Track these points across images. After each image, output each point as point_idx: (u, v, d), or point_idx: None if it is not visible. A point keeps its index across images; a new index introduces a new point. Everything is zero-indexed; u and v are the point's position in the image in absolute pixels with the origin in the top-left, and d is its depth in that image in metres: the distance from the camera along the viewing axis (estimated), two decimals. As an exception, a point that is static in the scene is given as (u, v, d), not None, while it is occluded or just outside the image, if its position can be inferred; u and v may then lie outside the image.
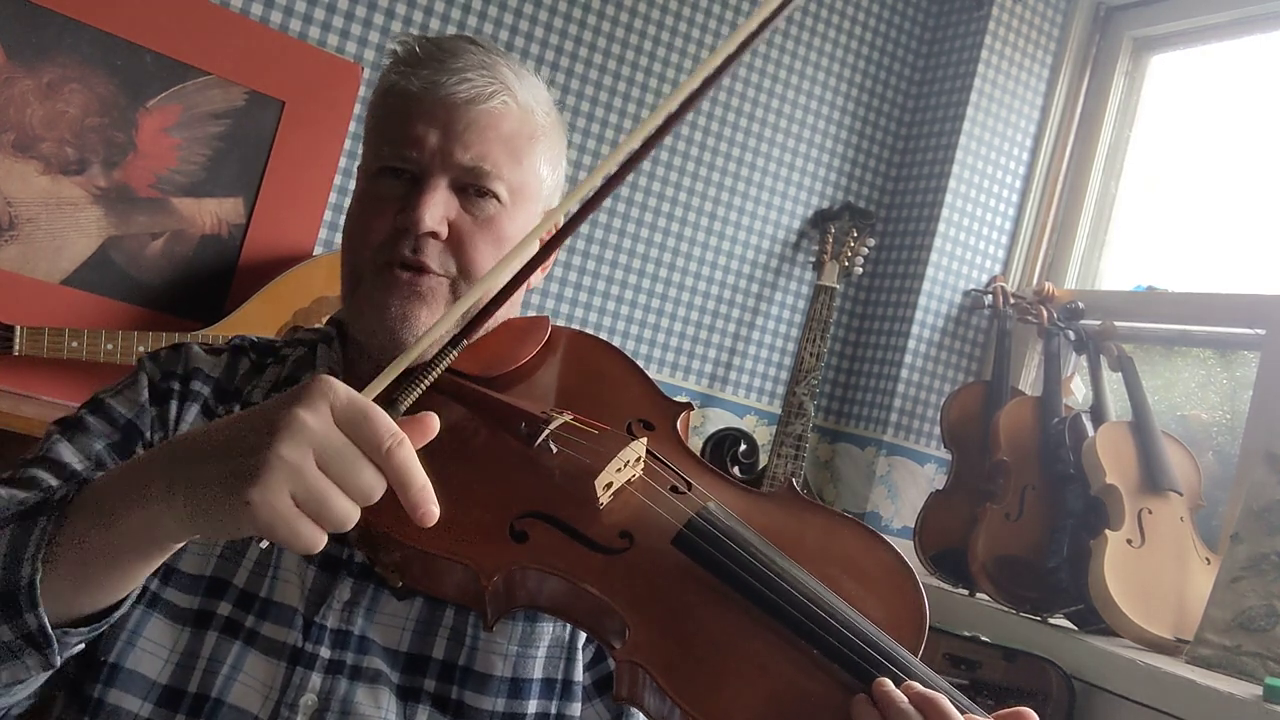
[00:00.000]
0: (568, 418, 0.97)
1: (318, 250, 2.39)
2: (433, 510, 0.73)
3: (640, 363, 2.71)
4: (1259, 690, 1.78)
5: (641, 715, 0.98)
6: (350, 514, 0.71)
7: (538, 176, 1.06)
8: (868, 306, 3.09)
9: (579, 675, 0.99)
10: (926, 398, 2.92)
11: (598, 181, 0.79)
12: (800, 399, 2.75)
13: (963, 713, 0.78)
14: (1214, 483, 2.45)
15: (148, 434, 1.05)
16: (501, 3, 2.63)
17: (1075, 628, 2.28)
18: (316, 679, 0.93)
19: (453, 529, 0.89)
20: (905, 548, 2.57)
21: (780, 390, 2.99)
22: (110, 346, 2.07)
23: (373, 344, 1.03)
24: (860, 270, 2.91)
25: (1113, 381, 2.50)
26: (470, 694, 0.95)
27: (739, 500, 0.94)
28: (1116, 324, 2.55)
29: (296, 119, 2.37)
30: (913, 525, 2.58)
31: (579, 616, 0.87)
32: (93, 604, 0.79)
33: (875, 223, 2.97)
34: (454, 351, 0.78)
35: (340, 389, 0.72)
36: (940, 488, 2.65)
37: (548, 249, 0.83)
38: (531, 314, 1.13)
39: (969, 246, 2.97)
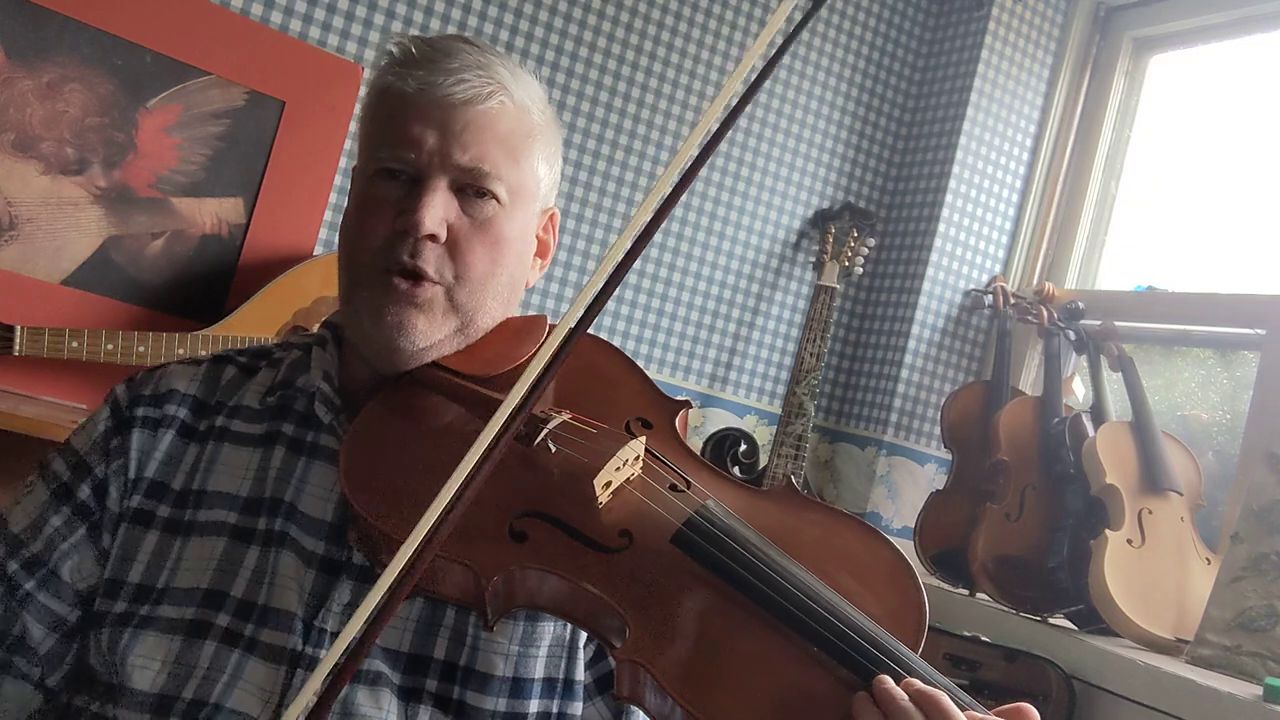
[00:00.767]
0: (566, 417, 0.97)
1: (318, 250, 2.39)
2: None
3: (640, 363, 2.71)
4: (1259, 690, 1.78)
5: (642, 714, 0.99)
6: None
7: (535, 175, 1.06)
8: (868, 306, 3.09)
9: (580, 674, 0.99)
10: (926, 398, 2.92)
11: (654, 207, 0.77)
12: (800, 399, 2.75)
13: (963, 709, 0.78)
14: (1214, 483, 2.45)
15: (98, 469, 1.04)
16: (501, 3, 2.63)
17: (1075, 628, 2.28)
18: None
19: (453, 530, 0.90)
20: (905, 548, 2.57)
21: (780, 390, 2.99)
22: (110, 346, 2.07)
23: (369, 349, 1.03)
24: (860, 270, 2.91)
25: (1113, 381, 2.50)
26: (472, 694, 0.95)
27: (738, 498, 0.94)
28: (1116, 324, 2.55)
29: (296, 119, 2.37)
30: (913, 525, 2.58)
31: (579, 615, 0.87)
32: None
33: (875, 223, 2.97)
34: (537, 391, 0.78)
35: None
36: (940, 488, 2.65)
37: (614, 281, 0.80)
38: (531, 313, 1.13)
39: (969, 246, 2.97)
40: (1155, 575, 2.17)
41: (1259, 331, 2.42)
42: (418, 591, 0.92)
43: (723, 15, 2.87)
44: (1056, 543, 2.32)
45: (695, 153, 0.75)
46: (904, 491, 2.88)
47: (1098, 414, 2.46)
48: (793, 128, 2.99)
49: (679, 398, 1.05)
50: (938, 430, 2.71)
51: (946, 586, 2.50)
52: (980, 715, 0.78)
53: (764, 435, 2.92)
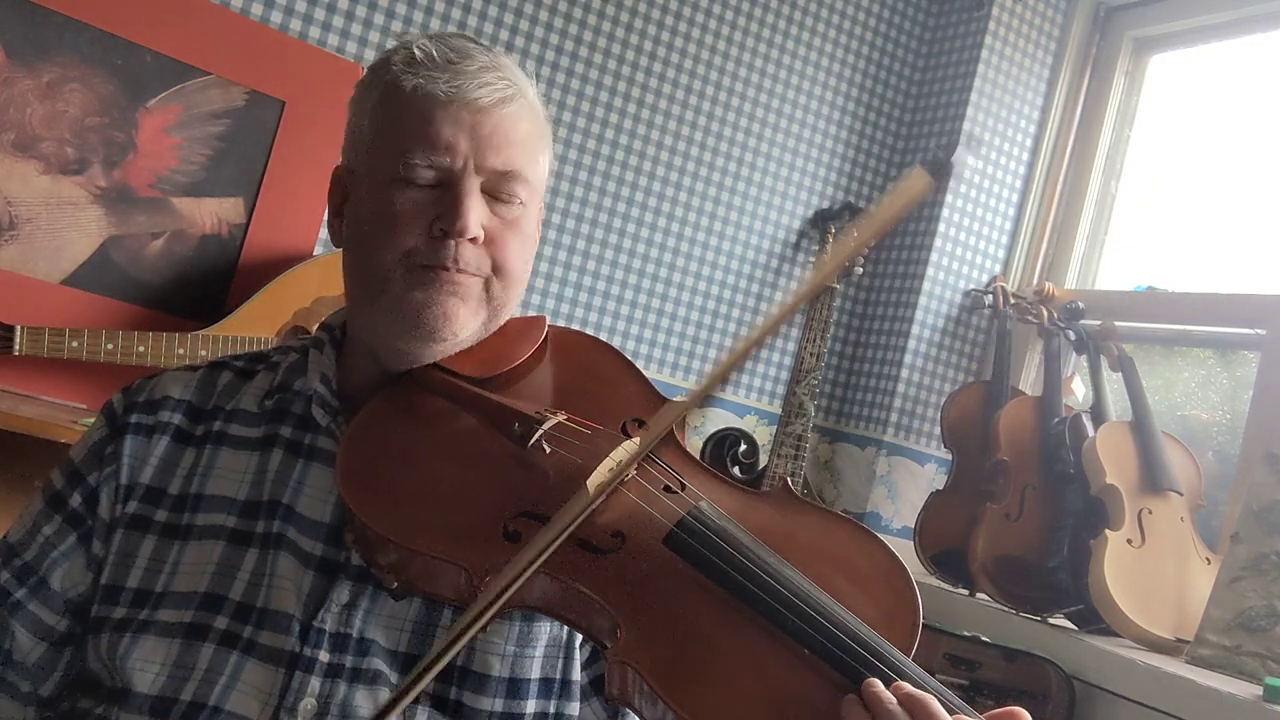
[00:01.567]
0: (561, 418, 0.97)
1: (318, 250, 2.39)
2: None
3: (640, 363, 2.71)
4: (1259, 690, 1.78)
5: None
6: None
7: (543, 171, 1.08)
8: (868, 306, 3.09)
9: (577, 674, 0.99)
10: (926, 398, 2.92)
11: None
12: (800, 399, 2.75)
13: (952, 713, 0.78)
14: (1214, 483, 2.45)
15: (91, 478, 1.05)
16: (501, 2, 2.63)
17: (1075, 628, 2.28)
18: (315, 683, 0.93)
19: (446, 529, 0.90)
20: (905, 548, 2.57)
21: (780, 390, 2.99)
22: (110, 346, 2.07)
23: (401, 345, 1.02)
24: (860, 270, 2.91)
25: (1113, 381, 2.50)
26: (469, 694, 0.95)
27: (732, 499, 0.94)
28: (1116, 324, 2.55)
29: (296, 119, 2.37)
30: (913, 525, 2.58)
31: (572, 616, 0.87)
32: None
33: (875, 223, 2.96)
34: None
35: None
36: (940, 488, 2.65)
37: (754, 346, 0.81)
38: (530, 314, 1.13)
39: (969, 246, 2.97)
40: (1155, 575, 2.17)
41: (1259, 331, 2.42)
42: (413, 592, 0.92)
43: (722, 15, 2.87)
44: (1056, 543, 2.31)
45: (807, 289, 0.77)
46: (904, 491, 2.88)
47: (1098, 414, 2.46)
48: (793, 128, 2.98)
49: (678, 399, 1.05)
50: (938, 430, 2.71)
51: (946, 586, 2.50)
52: (968, 719, 0.78)
53: (764, 435, 2.92)
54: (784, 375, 3.00)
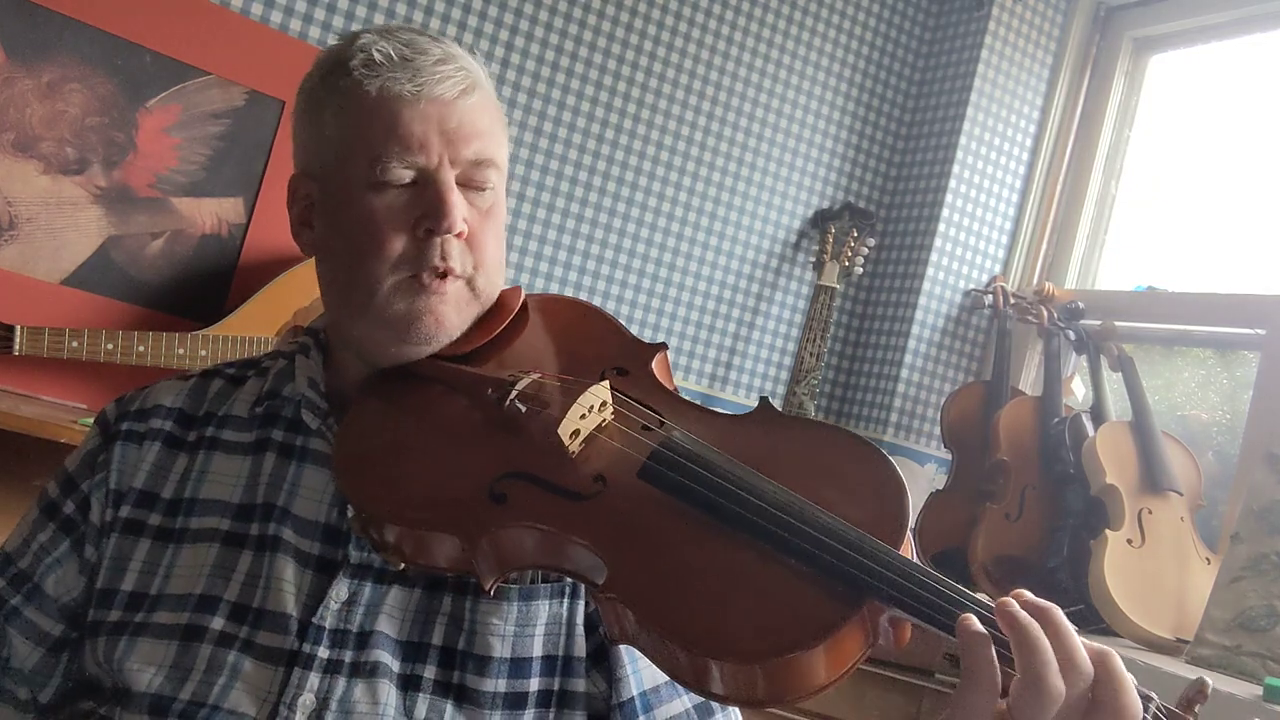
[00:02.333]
0: (534, 376, 0.99)
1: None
2: None
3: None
4: (1259, 690, 1.78)
5: (633, 676, 0.99)
6: None
7: (505, 154, 1.08)
8: (868, 306, 3.09)
9: (580, 650, 0.99)
10: (926, 398, 2.92)
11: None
12: (800, 399, 2.75)
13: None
14: (1214, 483, 2.45)
15: (84, 485, 1.06)
16: (501, 2, 2.62)
17: (1075, 628, 2.28)
18: (314, 679, 0.93)
19: (437, 502, 0.92)
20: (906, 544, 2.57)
21: (780, 390, 2.99)
22: (110, 346, 2.07)
23: (394, 351, 1.02)
24: (860, 270, 2.91)
25: (1113, 381, 2.50)
26: (471, 677, 0.95)
27: (712, 427, 0.95)
28: (1116, 324, 2.55)
29: (296, 119, 2.37)
30: (913, 525, 2.58)
31: (569, 567, 0.88)
32: None
33: (875, 223, 2.97)
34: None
35: None
36: (940, 488, 2.65)
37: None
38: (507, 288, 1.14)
39: (969, 246, 2.97)
40: (1155, 575, 2.17)
41: (1259, 331, 2.42)
42: (417, 568, 0.94)
43: (722, 15, 2.87)
44: (1056, 543, 2.32)
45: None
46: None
47: (1098, 414, 2.46)
48: (793, 128, 2.98)
49: (658, 341, 1.07)
50: (938, 430, 2.72)
51: (946, 586, 2.50)
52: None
53: (764, 435, 2.92)
54: (784, 375, 3.00)
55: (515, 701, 0.96)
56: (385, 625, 0.96)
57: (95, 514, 1.04)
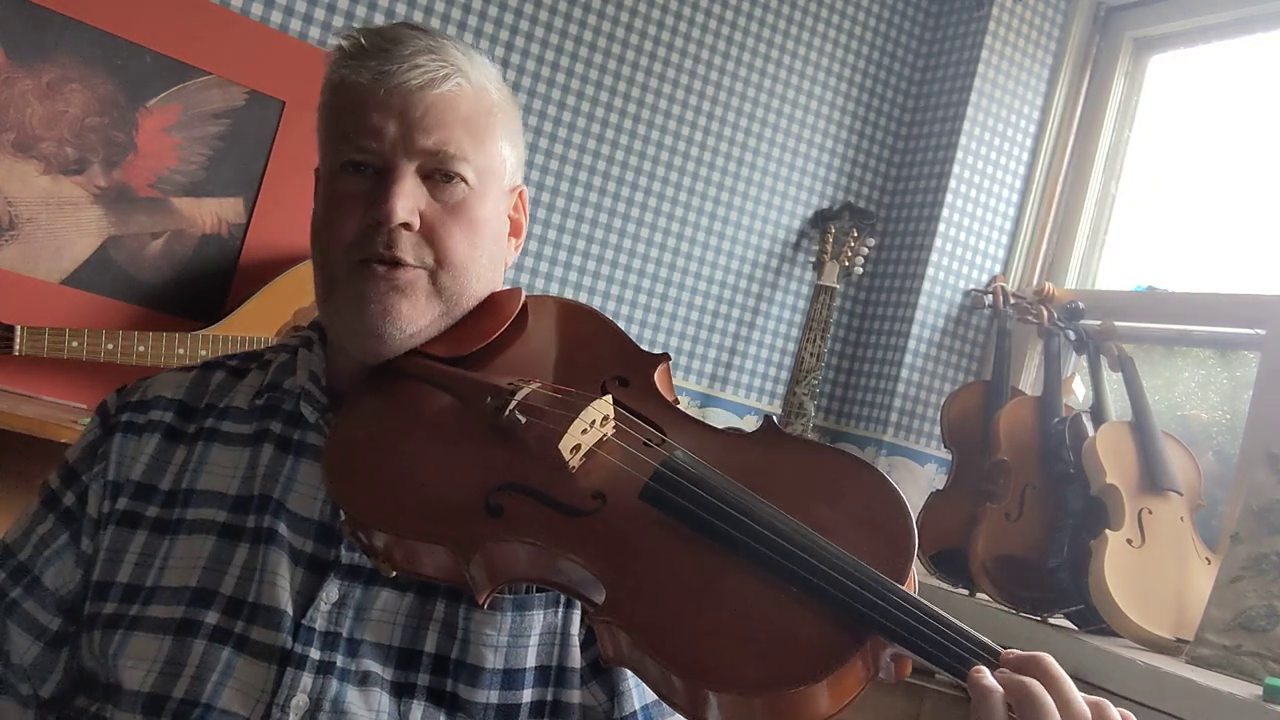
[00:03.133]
0: (535, 386, 0.96)
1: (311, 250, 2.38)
2: None
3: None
4: (1259, 690, 1.78)
5: (637, 689, 0.98)
6: None
7: (500, 155, 1.05)
8: (868, 306, 3.09)
9: (575, 661, 0.98)
10: (926, 398, 2.92)
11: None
12: (800, 399, 2.75)
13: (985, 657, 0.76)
14: (1214, 483, 2.45)
15: (84, 476, 1.06)
16: (501, 2, 2.62)
17: (1075, 628, 2.28)
18: (307, 679, 0.93)
19: (430, 511, 0.90)
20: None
21: (780, 390, 2.99)
22: (110, 346, 2.07)
23: (354, 343, 1.02)
24: (860, 270, 2.91)
25: (1113, 381, 2.50)
26: (464, 687, 0.95)
27: (714, 445, 0.92)
28: (1116, 324, 2.55)
29: (296, 119, 2.37)
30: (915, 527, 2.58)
31: (564, 584, 0.86)
32: None
33: (875, 223, 2.97)
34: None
35: None
36: (940, 488, 2.65)
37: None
38: (508, 288, 1.12)
39: (969, 246, 2.97)
40: (1155, 575, 2.17)
41: (1259, 331, 2.42)
42: (409, 576, 0.92)
43: (722, 15, 2.87)
44: (1056, 543, 2.31)
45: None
46: (904, 491, 2.86)
47: (1098, 414, 2.46)
48: (793, 128, 2.98)
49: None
50: (938, 430, 2.71)
51: (946, 586, 2.50)
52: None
53: (764, 435, 2.92)
54: (784, 375, 3.00)
55: (508, 713, 0.95)
56: (375, 632, 0.95)
57: (92, 506, 1.04)
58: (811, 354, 2.79)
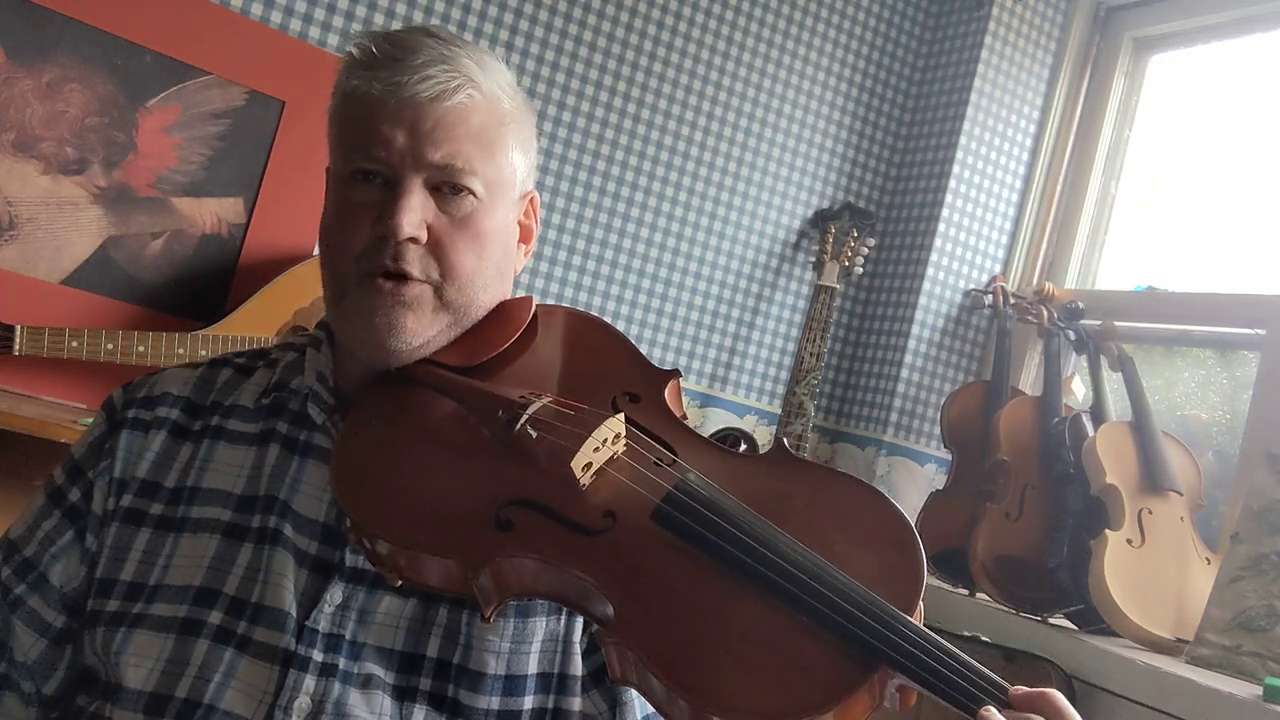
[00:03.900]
0: (546, 400, 0.96)
1: (318, 250, 2.38)
2: None
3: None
4: (1259, 690, 1.78)
5: (639, 700, 0.98)
6: None
7: (511, 165, 1.05)
8: (868, 306, 3.09)
9: (577, 669, 0.98)
10: (926, 398, 2.92)
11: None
12: (800, 399, 2.75)
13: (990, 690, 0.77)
14: (1214, 483, 2.45)
15: (90, 473, 1.06)
16: (501, 2, 2.62)
17: (1075, 628, 2.28)
18: (310, 681, 0.92)
19: (439, 524, 0.90)
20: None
21: (780, 390, 2.99)
22: (110, 346, 2.07)
23: (362, 351, 1.02)
24: (860, 270, 2.91)
25: (1113, 381, 2.50)
26: (465, 692, 0.94)
27: (725, 467, 0.92)
28: (1116, 324, 2.55)
29: (296, 119, 2.37)
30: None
31: (570, 599, 0.86)
32: None
33: (875, 223, 2.97)
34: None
35: None
36: (940, 488, 2.65)
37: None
38: (520, 294, 1.11)
39: (969, 246, 2.97)
40: (1155, 575, 2.17)
41: (1259, 331, 2.41)
42: (414, 586, 0.92)
43: (722, 15, 2.87)
44: (1056, 543, 2.31)
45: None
46: (904, 491, 2.88)
47: (1098, 414, 2.46)
48: (793, 128, 2.98)
49: (668, 368, 1.04)
50: (938, 430, 2.71)
51: (946, 586, 2.50)
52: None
53: (764, 435, 2.92)
54: (784, 375, 3.00)
55: (509, 719, 0.95)
56: (378, 635, 0.95)
57: (97, 503, 1.04)
58: (811, 354, 2.79)
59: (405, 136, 0.98)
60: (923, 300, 2.91)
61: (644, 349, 2.79)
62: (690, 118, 2.85)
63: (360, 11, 2.47)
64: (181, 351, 2.12)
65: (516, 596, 0.88)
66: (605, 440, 0.91)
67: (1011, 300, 2.79)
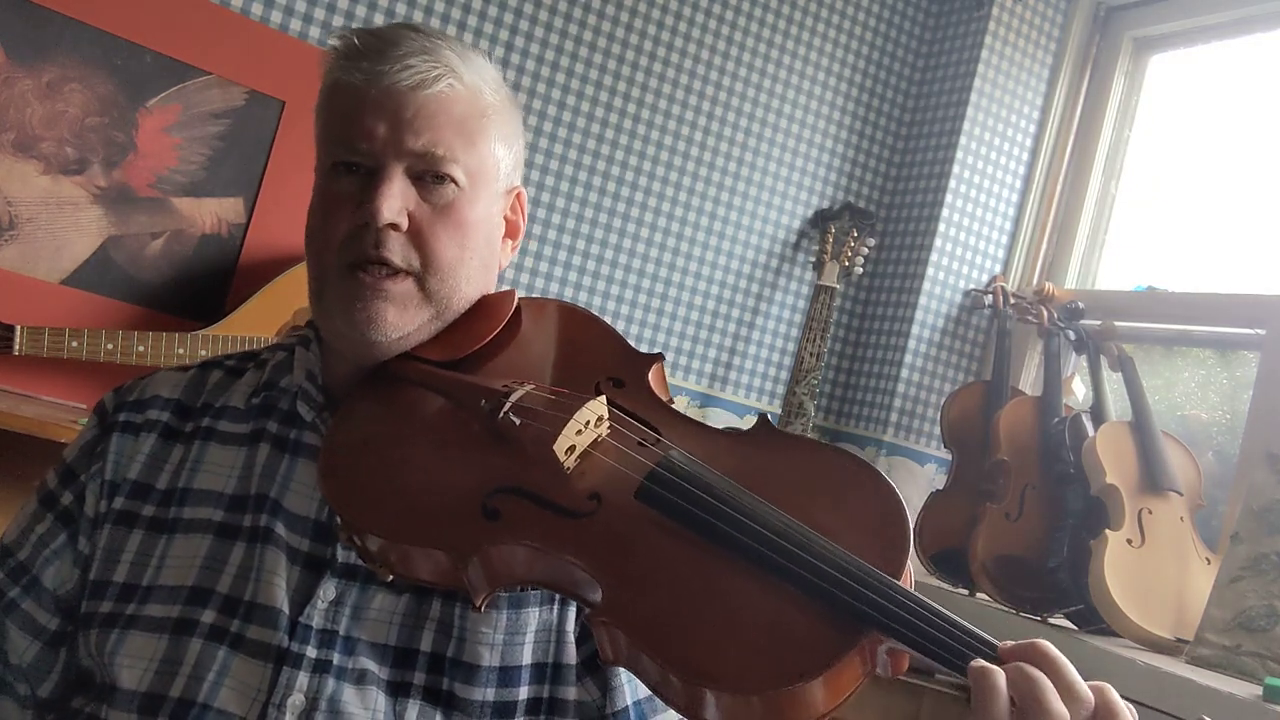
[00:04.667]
0: (529, 388, 0.96)
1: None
2: None
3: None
4: (1259, 690, 1.78)
5: (629, 685, 0.98)
6: None
7: (494, 157, 1.05)
8: (868, 306, 3.09)
9: (571, 658, 0.98)
10: (926, 398, 2.92)
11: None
12: (800, 399, 2.75)
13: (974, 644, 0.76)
14: (1214, 483, 2.45)
15: (82, 476, 1.06)
16: (501, 2, 2.62)
17: (1075, 628, 2.28)
18: (303, 678, 0.93)
19: (427, 516, 0.90)
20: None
21: (780, 390, 2.99)
22: (110, 346, 2.07)
23: (345, 345, 1.03)
24: (860, 270, 2.91)
25: (1113, 381, 2.50)
26: (460, 685, 0.95)
27: (709, 444, 0.93)
28: (1116, 324, 2.55)
29: (296, 119, 2.37)
30: (913, 525, 2.58)
31: (561, 585, 0.86)
32: None
33: (875, 223, 2.97)
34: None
35: None
36: (940, 488, 2.65)
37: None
38: (504, 289, 1.12)
39: (969, 246, 2.97)
40: (1155, 575, 2.17)
41: (1259, 331, 2.42)
42: (405, 580, 0.92)
43: (722, 15, 2.87)
44: (1056, 543, 2.31)
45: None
46: (904, 491, 2.85)
47: (1098, 414, 2.46)
48: (793, 128, 2.98)
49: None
50: (938, 430, 2.71)
51: (946, 586, 2.50)
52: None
53: (764, 435, 2.92)
54: (784, 375, 3.00)
55: (504, 710, 0.95)
56: (372, 631, 0.96)
57: (90, 505, 1.04)
58: (811, 354, 2.79)
59: (386, 125, 0.98)
60: (923, 300, 2.91)
61: (644, 349, 2.79)
62: (690, 117, 2.85)
63: (360, 11, 2.47)
64: (181, 351, 2.12)
65: (507, 585, 0.89)
66: (588, 423, 0.91)
67: (1011, 300, 2.80)
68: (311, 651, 0.93)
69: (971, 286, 2.97)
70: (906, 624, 0.76)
